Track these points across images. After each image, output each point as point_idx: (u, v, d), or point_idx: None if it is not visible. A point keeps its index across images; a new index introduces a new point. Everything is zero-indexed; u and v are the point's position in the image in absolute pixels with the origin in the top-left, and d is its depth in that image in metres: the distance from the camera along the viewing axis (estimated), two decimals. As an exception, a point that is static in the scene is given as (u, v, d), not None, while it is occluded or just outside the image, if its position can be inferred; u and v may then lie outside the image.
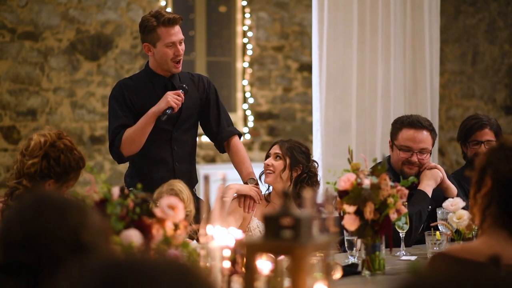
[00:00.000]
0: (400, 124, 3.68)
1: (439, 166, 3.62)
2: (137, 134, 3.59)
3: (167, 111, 3.56)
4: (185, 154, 3.76)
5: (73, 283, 1.03)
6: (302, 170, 3.55)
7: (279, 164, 3.55)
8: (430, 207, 3.45)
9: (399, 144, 3.63)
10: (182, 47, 3.65)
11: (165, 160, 3.70)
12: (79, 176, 2.92)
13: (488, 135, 3.84)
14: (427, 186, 3.55)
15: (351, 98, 4.82)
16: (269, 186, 3.68)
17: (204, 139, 3.97)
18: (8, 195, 2.83)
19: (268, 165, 3.58)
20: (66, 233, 1.37)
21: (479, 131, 3.86)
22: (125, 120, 3.63)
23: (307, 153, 3.60)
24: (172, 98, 3.55)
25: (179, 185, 3.29)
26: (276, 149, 3.60)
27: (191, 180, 3.74)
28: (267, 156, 3.63)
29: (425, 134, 3.62)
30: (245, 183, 3.70)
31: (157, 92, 3.68)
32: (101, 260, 1.06)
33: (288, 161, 3.54)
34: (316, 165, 3.64)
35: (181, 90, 3.62)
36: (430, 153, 3.68)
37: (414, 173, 3.57)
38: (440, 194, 3.57)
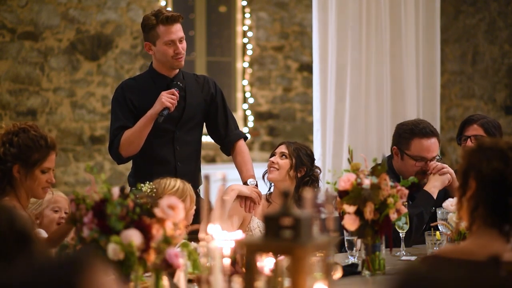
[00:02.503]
0: (410, 133, 3.66)
1: (450, 170, 3.61)
2: (135, 136, 3.60)
3: (164, 112, 3.55)
4: (188, 154, 3.76)
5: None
6: (305, 172, 3.59)
7: (284, 162, 3.59)
8: (434, 208, 3.45)
9: (413, 154, 3.63)
10: (183, 45, 3.65)
11: (167, 160, 3.70)
12: (48, 155, 2.93)
13: (476, 130, 3.80)
14: (433, 188, 3.56)
15: (351, 98, 4.82)
16: (270, 186, 3.69)
17: (204, 139, 3.96)
18: None
19: (273, 162, 3.62)
20: (4, 231, 1.43)
21: (467, 126, 3.85)
22: (125, 121, 3.64)
23: (312, 156, 3.67)
24: (167, 98, 3.55)
25: (167, 181, 3.23)
26: (282, 148, 3.64)
27: (194, 181, 3.74)
28: (273, 155, 3.67)
29: (435, 142, 3.67)
30: (245, 183, 3.71)
31: (160, 92, 3.68)
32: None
33: (294, 161, 3.57)
34: (319, 171, 3.66)
35: (175, 88, 3.62)
36: None
37: (426, 180, 3.62)
38: (440, 195, 3.58)
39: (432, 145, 3.65)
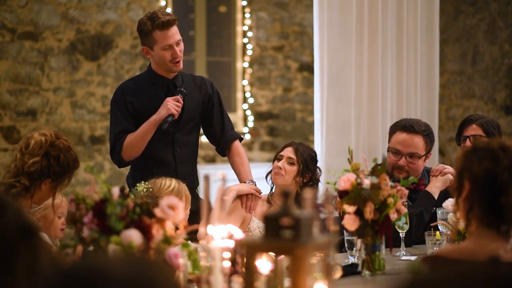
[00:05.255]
0: (394, 127, 3.69)
1: (451, 170, 3.59)
2: (138, 140, 3.60)
3: (168, 118, 3.57)
4: (187, 155, 3.77)
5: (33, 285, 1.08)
6: (310, 177, 3.57)
7: (291, 169, 3.54)
8: (435, 208, 3.45)
9: (390, 146, 3.65)
10: (180, 48, 3.63)
11: (167, 162, 3.70)
12: (72, 177, 2.94)
13: (474, 130, 3.78)
14: (434, 188, 3.55)
15: (352, 98, 4.82)
16: (272, 187, 3.67)
17: (204, 139, 3.97)
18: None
19: (280, 167, 3.56)
20: (11, 222, 1.45)
21: (466, 126, 3.84)
22: (126, 125, 3.64)
23: (316, 159, 3.64)
24: (172, 105, 3.56)
25: (163, 181, 3.23)
26: (290, 153, 3.58)
27: (193, 182, 3.75)
28: (278, 156, 3.62)
29: (416, 139, 3.61)
30: (243, 183, 3.72)
31: (159, 93, 3.68)
32: (54, 266, 1.11)
33: (301, 167, 3.54)
34: (319, 172, 3.65)
35: (179, 95, 3.62)
36: (425, 159, 3.67)
37: (403, 178, 3.56)
38: (441, 195, 3.58)
39: (408, 140, 3.59)
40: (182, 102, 3.61)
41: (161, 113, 3.57)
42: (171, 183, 3.16)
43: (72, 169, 2.90)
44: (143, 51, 3.68)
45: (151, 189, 3.05)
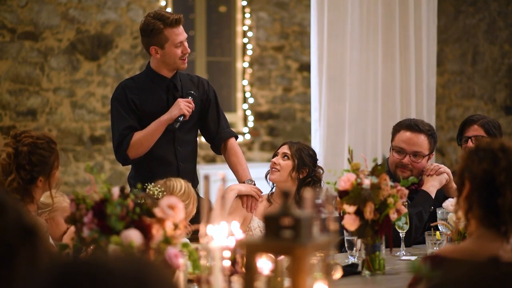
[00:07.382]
0: (399, 126, 3.70)
1: (447, 169, 3.60)
2: (146, 139, 3.61)
3: (180, 118, 3.60)
4: (188, 154, 3.78)
5: (27, 283, 1.07)
6: (307, 173, 3.58)
7: (286, 164, 3.58)
8: (432, 207, 3.45)
9: (394, 145, 3.66)
10: (187, 44, 3.69)
11: (169, 161, 3.71)
12: (58, 153, 2.92)
13: (476, 130, 3.78)
14: (431, 187, 3.55)
15: (350, 98, 4.83)
16: (273, 187, 3.69)
17: (204, 139, 3.98)
18: None
19: (275, 163, 3.61)
20: (11, 222, 1.44)
21: (467, 127, 3.84)
22: (131, 121, 3.64)
23: (314, 157, 3.65)
24: (184, 106, 3.60)
25: (176, 182, 3.24)
26: (285, 149, 3.63)
27: (194, 180, 3.75)
28: (275, 155, 3.66)
29: (421, 138, 3.62)
30: (242, 183, 3.73)
31: (160, 93, 3.69)
32: (54, 261, 1.10)
33: (296, 162, 3.56)
34: (322, 171, 3.66)
35: (190, 97, 3.66)
36: (428, 158, 3.67)
37: (406, 177, 3.55)
38: (441, 194, 3.58)
39: (412, 138, 3.61)
40: (193, 104, 3.64)
41: (173, 112, 3.60)
42: (181, 185, 3.17)
43: (52, 152, 2.87)
44: (152, 51, 3.67)
45: (165, 192, 3.06)
